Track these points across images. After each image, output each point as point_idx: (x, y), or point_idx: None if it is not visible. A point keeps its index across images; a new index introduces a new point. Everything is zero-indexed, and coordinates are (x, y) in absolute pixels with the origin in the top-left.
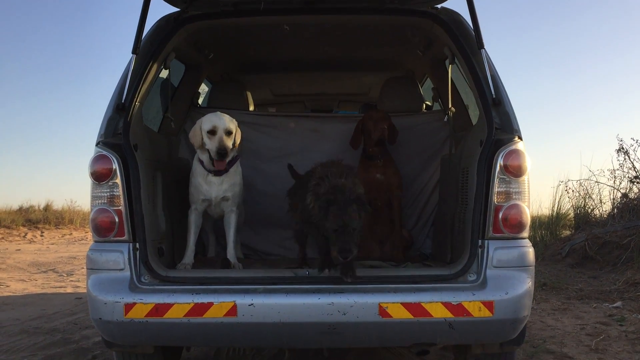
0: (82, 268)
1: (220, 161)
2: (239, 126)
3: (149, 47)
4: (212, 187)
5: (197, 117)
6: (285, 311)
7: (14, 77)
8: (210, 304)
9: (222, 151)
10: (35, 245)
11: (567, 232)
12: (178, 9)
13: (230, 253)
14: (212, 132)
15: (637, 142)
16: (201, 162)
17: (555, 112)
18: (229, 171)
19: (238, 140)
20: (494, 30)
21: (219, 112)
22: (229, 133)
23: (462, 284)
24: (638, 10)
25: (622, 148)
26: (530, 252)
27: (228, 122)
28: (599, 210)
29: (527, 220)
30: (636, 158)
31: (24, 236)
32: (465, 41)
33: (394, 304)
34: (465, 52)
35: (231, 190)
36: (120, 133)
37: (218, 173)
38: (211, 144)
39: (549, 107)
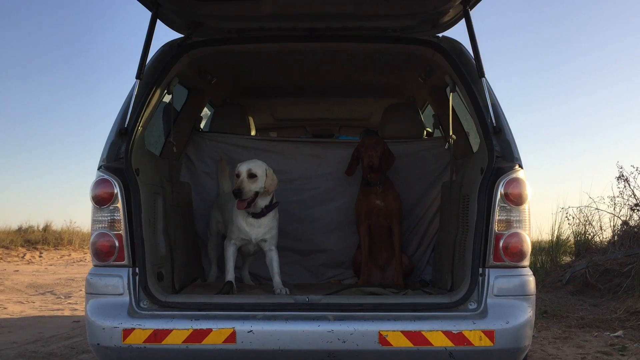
0: (80, 290)
1: (240, 201)
2: (239, 151)
3: (153, 73)
4: (252, 229)
5: (199, 141)
6: (284, 338)
7: (15, 97)
8: (209, 330)
9: (235, 191)
10: (33, 266)
11: (567, 259)
12: (182, 35)
13: (277, 284)
14: (237, 175)
15: (637, 169)
16: None
17: (555, 138)
18: (266, 215)
19: (269, 185)
20: (492, 53)
21: (254, 159)
22: (251, 176)
23: (462, 312)
24: (636, 37)
25: (622, 175)
26: (531, 280)
27: (251, 165)
28: (599, 237)
29: (528, 249)
30: (636, 186)
31: (23, 257)
32: (465, 69)
33: (394, 332)
34: (465, 81)
35: (269, 233)
36: (122, 157)
37: (256, 215)
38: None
39: (548, 133)
